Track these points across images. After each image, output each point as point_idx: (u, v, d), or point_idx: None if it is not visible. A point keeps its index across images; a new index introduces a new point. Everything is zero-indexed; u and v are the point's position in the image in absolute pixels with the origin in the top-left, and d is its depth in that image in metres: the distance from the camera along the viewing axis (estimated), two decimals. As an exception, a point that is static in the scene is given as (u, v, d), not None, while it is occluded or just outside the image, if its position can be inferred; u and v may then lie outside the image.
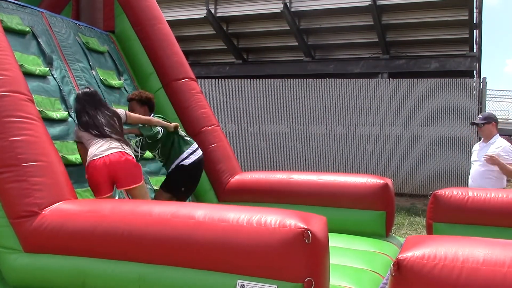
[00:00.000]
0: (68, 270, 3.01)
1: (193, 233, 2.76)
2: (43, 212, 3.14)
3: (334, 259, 3.69)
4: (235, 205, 3.09)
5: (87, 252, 2.99)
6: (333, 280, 3.19)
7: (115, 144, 3.84)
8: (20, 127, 3.35)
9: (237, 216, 2.76)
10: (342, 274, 3.41)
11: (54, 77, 4.43)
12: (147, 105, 4.57)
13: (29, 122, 3.42)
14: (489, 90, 13.61)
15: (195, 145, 4.69)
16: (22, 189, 3.18)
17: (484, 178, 5.31)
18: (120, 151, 3.82)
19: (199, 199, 5.24)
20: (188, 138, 4.71)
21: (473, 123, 5.75)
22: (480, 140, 5.71)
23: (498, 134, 5.52)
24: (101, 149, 3.78)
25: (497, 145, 5.35)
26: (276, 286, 2.55)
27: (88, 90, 4.15)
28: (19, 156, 3.24)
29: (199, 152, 4.67)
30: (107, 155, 3.76)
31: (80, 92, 4.18)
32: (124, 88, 5.26)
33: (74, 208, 3.19)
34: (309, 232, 2.55)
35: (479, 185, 5.26)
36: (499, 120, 5.98)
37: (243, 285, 2.60)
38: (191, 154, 4.56)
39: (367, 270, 3.64)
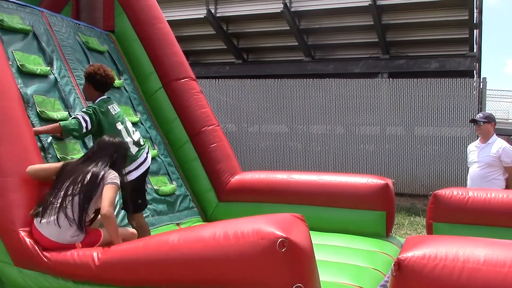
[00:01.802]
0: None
1: (175, 252, 2.73)
2: (20, 231, 3.13)
3: (334, 258, 3.71)
4: (209, 223, 3.05)
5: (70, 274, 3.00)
6: (334, 277, 3.20)
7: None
8: (5, 137, 3.33)
9: (212, 232, 2.70)
10: (342, 271, 3.42)
11: (54, 77, 4.42)
12: (89, 82, 4.04)
13: (14, 132, 3.40)
14: (489, 90, 13.60)
15: (141, 157, 4.04)
16: (11, 203, 3.17)
17: (485, 181, 5.28)
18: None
19: (199, 199, 5.24)
20: (135, 146, 4.00)
21: (472, 120, 5.71)
22: (477, 140, 5.66)
23: (495, 135, 5.50)
24: None
25: (498, 145, 5.33)
26: None
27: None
28: (9, 168, 3.24)
29: (146, 165, 4.06)
30: None
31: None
32: (124, 87, 5.25)
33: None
34: (287, 239, 2.49)
35: (479, 186, 5.23)
36: (499, 120, 5.96)
37: None
38: (133, 170, 3.93)
39: (368, 267, 3.64)
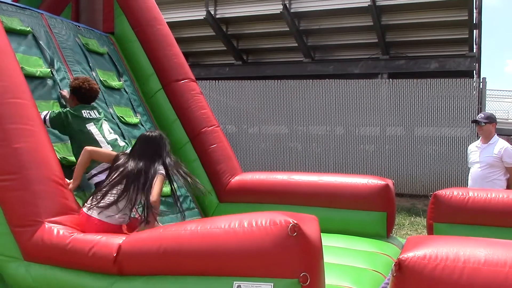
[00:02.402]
0: (67, 284, 3.00)
1: (186, 241, 2.76)
2: (45, 222, 3.12)
3: (334, 259, 3.69)
4: (223, 215, 3.09)
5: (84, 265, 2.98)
6: (334, 280, 3.19)
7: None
8: (22, 134, 3.34)
9: (227, 221, 2.76)
10: (343, 273, 3.41)
11: (55, 79, 4.42)
12: (74, 94, 4.13)
13: (31, 130, 3.41)
14: (489, 90, 13.62)
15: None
16: (24, 198, 3.16)
17: (487, 181, 5.27)
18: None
19: (199, 199, 5.23)
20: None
21: (474, 121, 5.70)
22: (478, 140, 5.65)
23: (496, 135, 5.49)
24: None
25: (499, 146, 5.31)
26: (272, 284, 2.56)
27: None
28: (21, 164, 3.23)
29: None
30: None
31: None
32: (124, 89, 5.25)
33: (75, 220, 3.19)
34: (298, 226, 2.56)
35: (481, 187, 5.22)
36: (499, 120, 5.96)
37: (240, 286, 2.60)
38: (97, 174, 3.94)
39: (368, 269, 3.64)
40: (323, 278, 2.73)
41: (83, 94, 4.12)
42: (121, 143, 4.20)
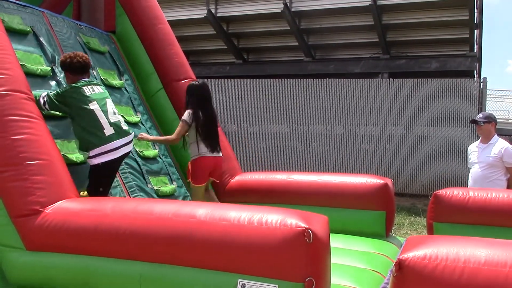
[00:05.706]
0: (71, 269, 3.01)
1: (194, 232, 2.76)
2: (46, 210, 3.14)
3: (334, 259, 3.69)
4: (236, 204, 3.08)
5: (89, 250, 2.99)
6: (334, 279, 3.19)
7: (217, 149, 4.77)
8: (21, 125, 3.36)
9: (238, 215, 2.76)
10: (343, 273, 3.41)
11: (56, 77, 4.42)
12: (67, 71, 4.02)
13: (30, 121, 3.43)
14: (490, 90, 13.62)
15: (114, 143, 3.88)
16: (24, 188, 3.18)
17: (487, 181, 5.25)
18: (220, 157, 4.81)
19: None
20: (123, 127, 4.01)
21: (473, 121, 5.68)
22: (478, 140, 5.64)
23: (496, 135, 5.47)
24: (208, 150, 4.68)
25: (500, 146, 5.29)
26: (276, 286, 2.55)
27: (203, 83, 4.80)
28: (20, 155, 3.25)
29: (116, 154, 3.90)
30: (215, 156, 4.73)
31: (198, 82, 4.82)
32: (125, 88, 5.25)
33: (76, 207, 3.19)
34: (310, 231, 2.54)
35: (482, 187, 5.20)
36: (500, 120, 5.93)
37: (244, 284, 2.60)
38: (98, 155, 3.82)
39: (367, 269, 3.64)
40: (329, 282, 2.73)
41: (77, 68, 3.97)
42: (125, 126, 4.08)
